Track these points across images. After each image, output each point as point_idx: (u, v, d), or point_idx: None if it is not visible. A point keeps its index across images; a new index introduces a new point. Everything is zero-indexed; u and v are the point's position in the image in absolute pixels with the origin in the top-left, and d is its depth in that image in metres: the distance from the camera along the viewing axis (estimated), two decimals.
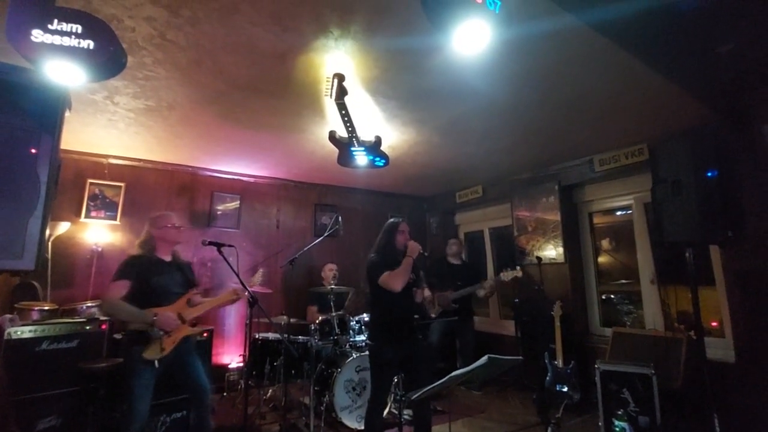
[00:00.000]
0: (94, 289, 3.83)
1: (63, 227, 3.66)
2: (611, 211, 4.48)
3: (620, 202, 4.25)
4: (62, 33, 1.29)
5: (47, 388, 2.90)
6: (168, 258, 2.54)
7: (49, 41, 1.28)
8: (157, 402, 2.57)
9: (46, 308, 3.23)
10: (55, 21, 1.29)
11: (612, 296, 4.43)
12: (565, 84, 2.66)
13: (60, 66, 1.32)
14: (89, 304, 3.47)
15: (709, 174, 2.67)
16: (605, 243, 4.64)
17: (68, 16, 1.31)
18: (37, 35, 1.29)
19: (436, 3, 1.27)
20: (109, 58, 1.31)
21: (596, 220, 4.57)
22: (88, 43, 1.29)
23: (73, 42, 1.28)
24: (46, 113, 1.40)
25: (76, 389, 3.00)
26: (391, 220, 2.80)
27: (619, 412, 2.90)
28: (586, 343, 4.11)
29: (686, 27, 2.20)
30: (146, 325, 2.26)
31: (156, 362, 2.26)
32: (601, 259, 4.56)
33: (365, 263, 2.71)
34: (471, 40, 1.45)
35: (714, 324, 3.49)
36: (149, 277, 2.37)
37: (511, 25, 1.46)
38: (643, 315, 3.95)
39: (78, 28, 1.28)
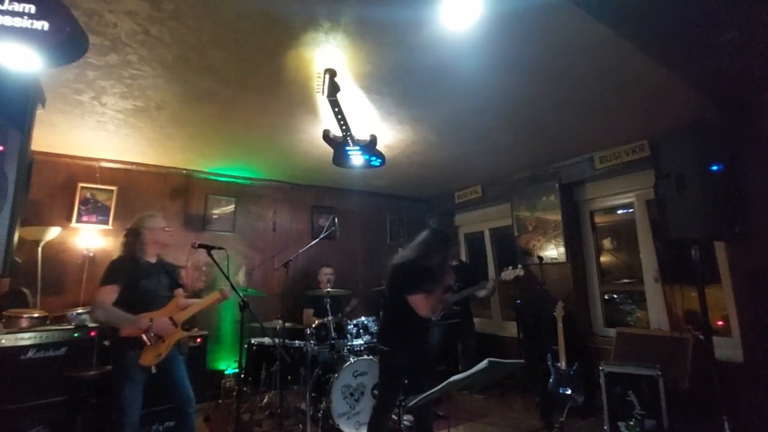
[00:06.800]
0: (86, 296, 3.74)
1: (53, 232, 3.58)
2: (612, 210, 4.39)
3: (622, 200, 4.16)
4: (13, 13, 1.19)
5: (34, 397, 2.82)
6: (153, 260, 2.50)
7: None
8: (148, 410, 2.50)
9: (36, 315, 3.15)
10: (6, 1, 1.19)
11: (615, 296, 4.34)
12: (561, 77, 2.58)
13: (12, 49, 1.22)
14: (80, 311, 3.39)
15: (714, 168, 2.59)
16: (607, 242, 4.56)
17: None
18: None
19: None
20: (65, 39, 1.22)
21: (597, 219, 4.49)
22: (42, 24, 1.19)
23: (25, 23, 1.19)
24: (12, 108, 1.32)
25: (64, 398, 2.92)
26: (443, 232, 2.64)
27: (627, 418, 2.81)
28: (589, 344, 4.01)
29: (686, 14, 2.12)
30: (140, 330, 2.22)
31: (153, 368, 2.23)
32: (603, 259, 4.47)
33: (401, 263, 2.49)
34: (461, 12, 1.36)
35: (720, 323, 3.40)
36: (137, 280, 2.32)
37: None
38: (647, 314, 3.86)
39: (31, 8, 1.18)
